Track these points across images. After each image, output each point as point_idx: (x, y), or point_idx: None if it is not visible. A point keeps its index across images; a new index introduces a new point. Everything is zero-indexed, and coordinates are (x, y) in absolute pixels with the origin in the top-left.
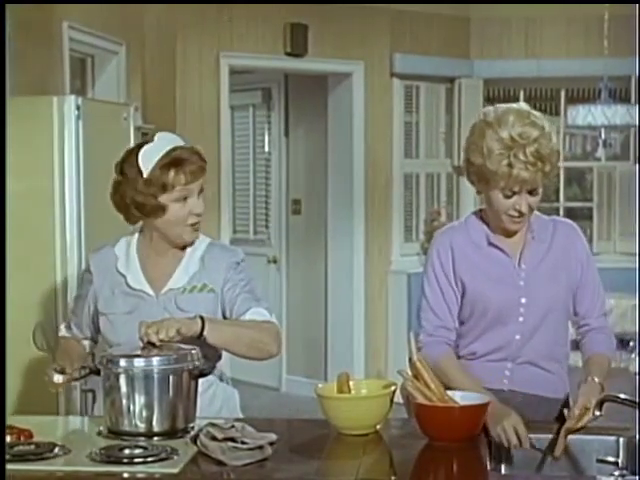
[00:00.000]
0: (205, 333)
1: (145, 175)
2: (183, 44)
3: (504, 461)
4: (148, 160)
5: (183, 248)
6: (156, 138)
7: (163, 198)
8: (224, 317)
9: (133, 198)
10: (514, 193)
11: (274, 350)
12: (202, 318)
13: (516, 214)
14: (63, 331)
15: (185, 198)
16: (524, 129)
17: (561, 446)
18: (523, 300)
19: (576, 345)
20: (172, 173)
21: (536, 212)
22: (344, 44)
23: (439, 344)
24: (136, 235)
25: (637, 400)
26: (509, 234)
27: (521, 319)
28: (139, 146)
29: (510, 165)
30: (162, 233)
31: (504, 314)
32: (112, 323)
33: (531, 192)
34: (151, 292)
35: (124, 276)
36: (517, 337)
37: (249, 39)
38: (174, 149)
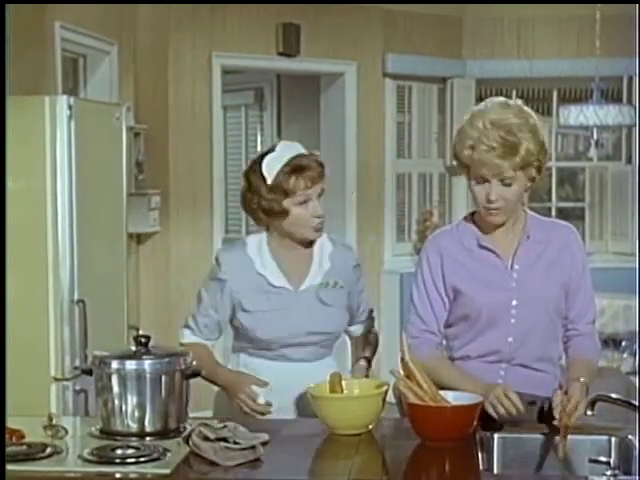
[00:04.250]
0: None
1: (269, 182)
2: (175, 44)
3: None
4: (271, 168)
5: (308, 245)
6: (278, 147)
7: (286, 202)
8: (350, 314)
9: (259, 203)
10: (485, 181)
11: None
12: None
13: (489, 204)
14: (189, 336)
15: (306, 201)
16: (499, 116)
17: (563, 443)
18: (514, 302)
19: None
20: (293, 179)
21: (532, 213)
22: (336, 44)
23: (423, 344)
24: (264, 235)
25: (637, 403)
26: (492, 229)
27: (513, 321)
28: (262, 156)
29: (473, 148)
30: (288, 233)
31: (496, 316)
32: (258, 320)
33: (504, 183)
34: (291, 288)
35: (263, 276)
36: (510, 339)
37: (241, 39)
38: (294, 157)
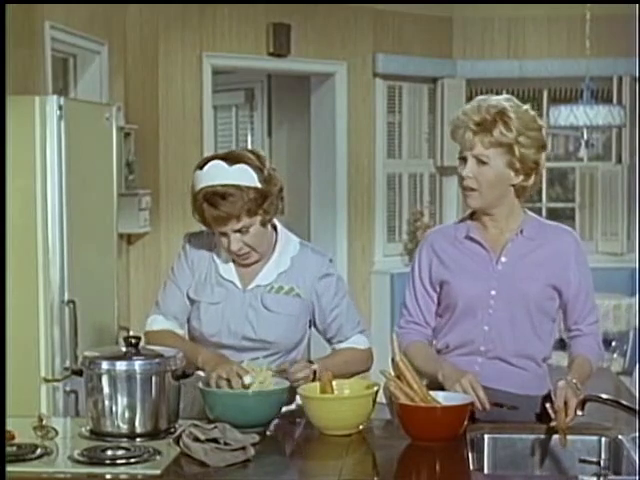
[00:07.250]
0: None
1: (194, 193)
2: (165, 44)
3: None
4: (196, 183)
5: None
6: (207, 167)
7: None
8: (314, 324)
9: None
10: (465, 160)
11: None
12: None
13: (463, 182)
14: (162, 323)
15: (222, 234)
16: (491, 102)
17: (564, 440)
18: (493, 292)
19: (559, 345)
20: (205, 206)
21: (532, 214)
22: (327, 44)
23: (408, 334)
24: None
25: (637, 407)
26: (480, 219)
27: (490, 311)
28: (207, 163)
29: (457, 125)
30: None
31: (473, 306)
32: (199, 310)
33: (479, 160)
34: (239, 285)
35: (216, 264)
36: (485, 328)
37: (232, 39)
38: (211, 187)
